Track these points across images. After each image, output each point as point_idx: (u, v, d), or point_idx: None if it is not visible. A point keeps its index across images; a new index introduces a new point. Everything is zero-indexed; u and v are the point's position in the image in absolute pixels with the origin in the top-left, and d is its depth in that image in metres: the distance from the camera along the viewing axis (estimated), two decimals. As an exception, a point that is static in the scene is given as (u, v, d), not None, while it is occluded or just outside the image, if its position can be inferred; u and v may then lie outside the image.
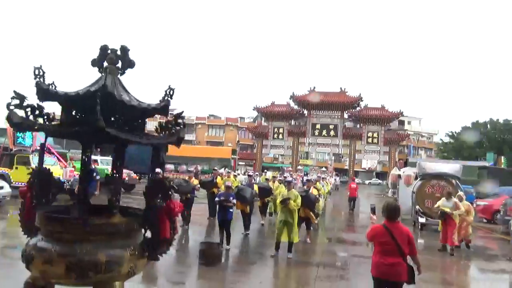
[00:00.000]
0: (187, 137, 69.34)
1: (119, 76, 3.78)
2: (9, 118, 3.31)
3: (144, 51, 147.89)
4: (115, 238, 3.42)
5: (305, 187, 11.34)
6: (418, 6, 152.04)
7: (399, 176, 17.88)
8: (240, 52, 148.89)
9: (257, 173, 27.40)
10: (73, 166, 17.93)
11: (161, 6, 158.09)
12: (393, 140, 58.86)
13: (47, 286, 3.46)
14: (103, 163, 20.54)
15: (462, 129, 57.17)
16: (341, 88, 60.23)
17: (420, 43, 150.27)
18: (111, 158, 4.62)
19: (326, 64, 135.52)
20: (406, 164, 30.44)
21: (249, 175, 13.52)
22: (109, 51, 3.76)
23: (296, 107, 61.41)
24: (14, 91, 3.45)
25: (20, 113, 3.54)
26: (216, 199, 9.07)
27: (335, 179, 35.47)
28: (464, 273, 9.14)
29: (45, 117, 3.70)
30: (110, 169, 3.97)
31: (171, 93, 3.65)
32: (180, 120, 3.62)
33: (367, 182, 58.07)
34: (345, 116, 60.71)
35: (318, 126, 60.84)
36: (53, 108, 3.87)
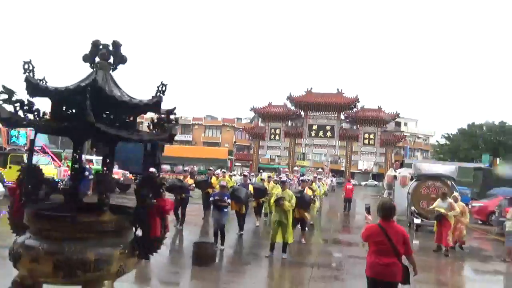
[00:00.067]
0: (184, 137, 69.23)
1: (111, 71, 3.73)
2: (-4, 113, 3.25)
3: (141, 51, 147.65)
4: (104, 236, 3.35)
5: (299, 187, 11.30)
6: (415, 8, 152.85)
7: (395, 177, 17.86)
8: (237, 52, 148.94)
9: (253, 173, 27.34)
10: (68, 166, 17.81)
11: (159, 7, 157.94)
12: (389, 141, 58.96)
13: (35, 285, 3.39)
14: (98, 163, 20.41)
15: (458, 131, 57.50)
16: (338, 89, 60.35)
17: (417, 45, 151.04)
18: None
19: (323, 65, 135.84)
20: (402, 165, 30.48)
21: (244, 175, 13.46)
22: (101, 46, 3.70)
23: (293, 108, 61.43)
24: (3, 86, 3.39)
25: (10, 108, 3.49)
26: (211, 198, 9.02)
27: (331, 180, 35.52)
28: (459, 274, 9.14)
29: (36, 113, 3.64)
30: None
31: (164, 89, 3.59)
32: (172, 116, 3.56)
33: (363, 183, 58.21)
34: (342, 117, 60.77)
35: (314, 127, 60.89)
36: (46, 106, 3.81)
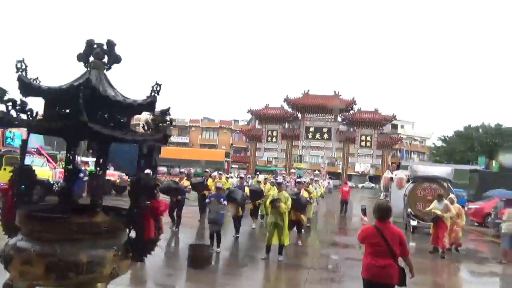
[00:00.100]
0: (181, 139, 69.10)
1: (105, 71, 3.69)
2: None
3: (138, 53, 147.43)
4: (97, 238, 3.30)
5: (295, 189, 11.26)
6: (412, 11, 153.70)
7: (392, 179, 17.86)
8: (234, 55, 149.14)
9: (249, 175, 27.29)
10: (63, 167, 17.71)
11: (156, 7, 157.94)
12: (386, 143, 59.13)
13: (27, 288, 3.34)
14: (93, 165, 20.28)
15: (455, 133, 57.75)
16: (335, 92, 60.50)
17: (414, 48, 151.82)
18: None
19: (320, 67, 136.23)
20: (398, 167, 30.59)
21: (240, 177, 13.41)
22: (95, 46, 3.67)
23: (290, 110, 61.55)
24: (-5, 85, 3.34)
25: (2, 107, 3.44)
26: (207, 200, 8.97)
27: (328, 182, 35.49)
28: (455, 276, 9.14)
29: (28, 112, 3.59)
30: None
31: (158, 89, 3.56)
32: (166, 117, 3.52)
33: (360, 185, 58.23)
34: (339, 119, 60.93)
35: (311, 129, 60.98)
36: (40, 106, 3.76)
